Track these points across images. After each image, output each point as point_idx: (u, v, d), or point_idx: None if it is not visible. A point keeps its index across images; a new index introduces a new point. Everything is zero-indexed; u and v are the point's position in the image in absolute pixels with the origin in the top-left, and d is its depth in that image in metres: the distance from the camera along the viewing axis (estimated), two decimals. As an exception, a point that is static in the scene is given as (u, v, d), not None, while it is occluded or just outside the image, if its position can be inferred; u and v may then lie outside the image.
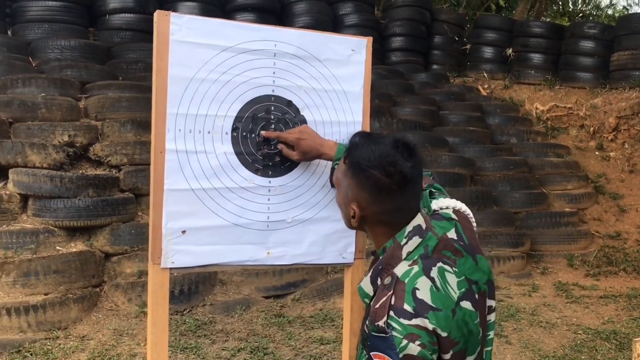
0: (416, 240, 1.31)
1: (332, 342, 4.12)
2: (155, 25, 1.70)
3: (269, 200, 1.86)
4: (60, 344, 3.90)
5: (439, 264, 1.29)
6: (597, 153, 8.19)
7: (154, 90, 1.71)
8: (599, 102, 8.68)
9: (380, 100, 7.47)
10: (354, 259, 2.00)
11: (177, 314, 4.43)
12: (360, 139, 1.37)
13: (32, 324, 3.99)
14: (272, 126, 1.87)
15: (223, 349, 3.95)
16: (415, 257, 1.30)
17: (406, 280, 1.26)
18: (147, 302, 1.77)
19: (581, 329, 4.64)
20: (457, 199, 1.51)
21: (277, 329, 4.31)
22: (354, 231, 1.92)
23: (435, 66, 9.91)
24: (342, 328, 2.11)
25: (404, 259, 1.30)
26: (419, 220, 1.33)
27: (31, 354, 3.77)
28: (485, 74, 9.78)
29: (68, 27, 7.07)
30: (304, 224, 1.90)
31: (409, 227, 1.32)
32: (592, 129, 8.44)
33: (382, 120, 7.04)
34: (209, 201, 1.77)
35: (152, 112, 1.72)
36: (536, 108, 8.97)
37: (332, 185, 1.84)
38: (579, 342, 4.38)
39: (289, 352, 3.96)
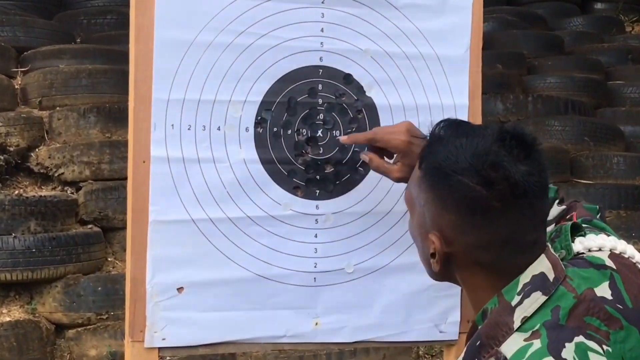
0: (537, 298, 1.32)
1: None
2: (132, -41, 1.79)
3: (316, 237, 1.90)
4: None
5: (578, 339, 1.28)
6: None
7: (131, 62, 1.79)
8: None
9: (506, 66, 7.44)
10: (459, 332, 2.02)
11: None
12: (445, 130, 1.39)
13: None
14: (321, 115, 1.92)
15: None
16: (537, 327, 1.30)
17: None
18: (124, 403, 1.84)
19: None
20: (636, 233, 1.50)
21: None
22: (459, 287, 1.94)
23: (599, 5, 9.76)
24: None
25: (517, 330, 1.31)
26: (541, 265, 1.34)
27: None
28: (688, 17, 9.61)
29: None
30: (375, 276, 1.94)
31: (525, 277, 1.33)
32: None
33: (509, 100, 7.01)
34: (220, 240, 1.83)
35: (130, 98, 1.79)
36: None
37: None
38: None
39: None
